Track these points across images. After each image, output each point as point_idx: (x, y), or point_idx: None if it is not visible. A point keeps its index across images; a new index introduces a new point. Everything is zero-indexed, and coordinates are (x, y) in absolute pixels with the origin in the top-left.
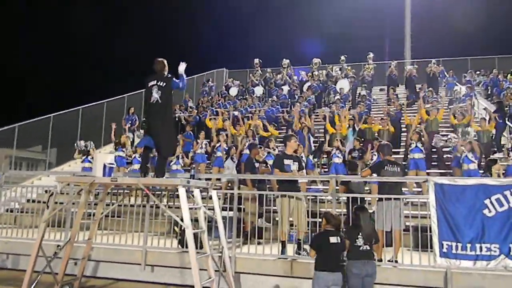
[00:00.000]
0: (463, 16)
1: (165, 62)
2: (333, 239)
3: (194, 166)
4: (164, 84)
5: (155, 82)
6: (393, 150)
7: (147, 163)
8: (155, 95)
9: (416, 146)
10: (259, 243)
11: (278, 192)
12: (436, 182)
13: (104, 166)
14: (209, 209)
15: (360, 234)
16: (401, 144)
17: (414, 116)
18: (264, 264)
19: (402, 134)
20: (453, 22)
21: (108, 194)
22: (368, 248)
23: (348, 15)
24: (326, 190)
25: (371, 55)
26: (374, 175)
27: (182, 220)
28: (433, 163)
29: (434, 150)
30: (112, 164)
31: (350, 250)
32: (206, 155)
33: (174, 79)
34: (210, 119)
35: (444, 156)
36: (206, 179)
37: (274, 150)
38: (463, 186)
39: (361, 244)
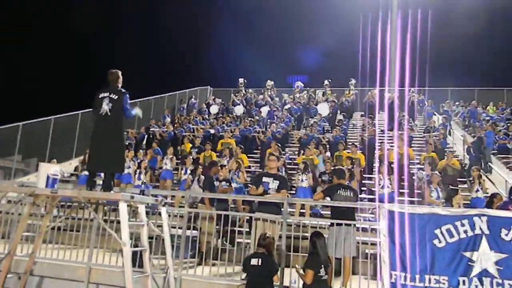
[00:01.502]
0: (449, 47)
1: (120, 74)
2: (254, 261)
3: (145, 183)
4: (117, 97)
5: (107, 94)
6: (365, 176)
7: (94, 177)
8: (105, 107)
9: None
10: (213, 265)
11: (235, 213)
12: (388, 209)
13: (48, 177)
14: (158, 226)
15: (322, 263)
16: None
17: (391, 145)
18: (211, 287)
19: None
20: (439, 52)
21: (62, 206)
22: (326, 276)
23: (337, 38)
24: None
25: (353, 81)
26: (328, 198)
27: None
28: (402, 191)
29: (402, 177)
30: (56, 175)
31: (314, 281)
32: (175, 172)
33: (127, 95)
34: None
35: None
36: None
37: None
38: (415, 214)
39: (323, 274)
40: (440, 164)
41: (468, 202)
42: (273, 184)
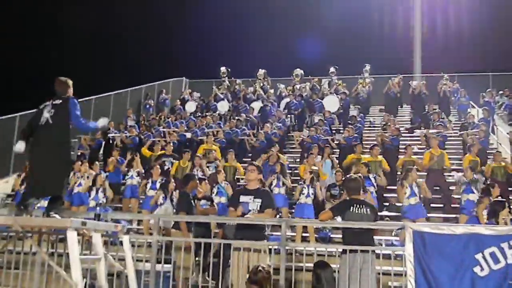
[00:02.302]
0: (483, 23)
1: (70, 83)
2: None
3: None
4: (60, 101)
5: (49, 102)
6: (389, 187)
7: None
8: (46, 114)
9: (412, 190)
10: None
11: (218, 241)
12: (415, 230)
13: None
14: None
15: None
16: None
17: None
18: None
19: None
20: (471, 31)
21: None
22: None
23: (343, 18)
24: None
25: (368, 67)
26: (338, 218)
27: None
28: (435, 205)
29: (437, 188)
30: None
31: None
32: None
33: (75, 100)
34: (149, 147)
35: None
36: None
37: (225, 184)
38: (449, 235)
39: None
40: (488, 168)
41: None
42: (254, 204)
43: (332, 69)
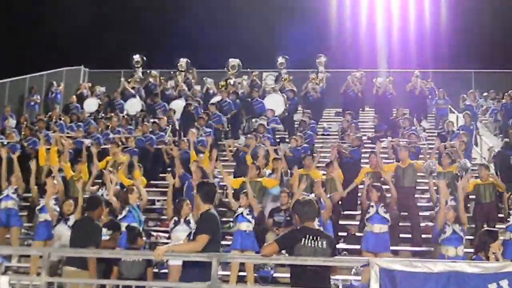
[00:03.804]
0: (469, 10)
1: None
2: None
3: None
4: None
5: None
6: (346, 212)
7: None
8: None
9: (377, 212)
10: None
11: (128, 283)
12: (383, 267)
13: None
14: None
15: None
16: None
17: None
18: None
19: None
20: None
21: None
22: None
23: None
24: None
25: (322, 58)
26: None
27: None
28: (403, 236)
29: (405, 213)
30: None
31: None
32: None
33: None
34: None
35: (423, 223)
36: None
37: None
38: (425, 274)
39: None
40: (470, 185)
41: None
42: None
43: (281, 60)
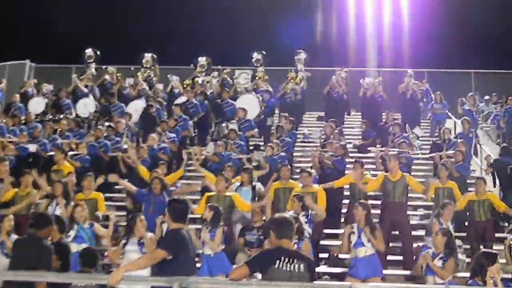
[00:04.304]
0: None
1: None
2: None
3: None
4: None
5: None
6: (328, 231)
7: None
8: None
9: (359, 237)
10: None
11: None
12: None
13: None
14: None
15: None
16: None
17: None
18: None
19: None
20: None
21: None
22: None
23: None
24: None
25: (302, 55)
26: (258, 276)
27: None
28: (392, 258)
29: (396, 232)
30: None
31: None
32: None
33: None
34: None
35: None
36: None
37: (88, 225)
38: None
39: None
40: (463, 202)
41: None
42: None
43: (256, 56)
